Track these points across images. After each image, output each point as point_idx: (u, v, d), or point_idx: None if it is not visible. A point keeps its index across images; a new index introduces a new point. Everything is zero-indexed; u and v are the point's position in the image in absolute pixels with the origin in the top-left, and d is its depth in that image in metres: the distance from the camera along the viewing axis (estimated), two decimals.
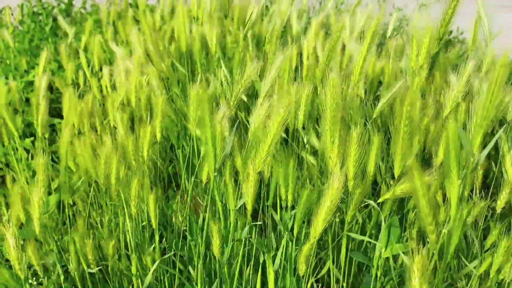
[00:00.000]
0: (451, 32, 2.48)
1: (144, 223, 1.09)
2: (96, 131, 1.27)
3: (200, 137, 0.80)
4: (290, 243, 0.94)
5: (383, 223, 0.87)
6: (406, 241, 1.10)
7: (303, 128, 1.06)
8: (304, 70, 1.34)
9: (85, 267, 1.07)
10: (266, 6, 2.05)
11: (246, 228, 0.92)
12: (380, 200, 0.84)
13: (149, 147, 0.99)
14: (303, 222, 0.91)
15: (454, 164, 0.72)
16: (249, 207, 0.84)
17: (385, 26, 2.28)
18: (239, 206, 0.89)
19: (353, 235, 0.91)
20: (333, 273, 0.96)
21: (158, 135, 1.01)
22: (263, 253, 1.00)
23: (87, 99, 1.23)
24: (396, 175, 0.80)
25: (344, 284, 1.02)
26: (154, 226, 1.02)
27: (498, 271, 0.89)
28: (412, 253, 0.62)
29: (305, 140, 1.19)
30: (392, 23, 1.54)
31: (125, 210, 1.06)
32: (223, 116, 0.89)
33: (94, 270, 1.06)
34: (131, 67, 1.27)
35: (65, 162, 1.10)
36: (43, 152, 1.00)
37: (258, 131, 0.83)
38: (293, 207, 0.95)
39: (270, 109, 0.83)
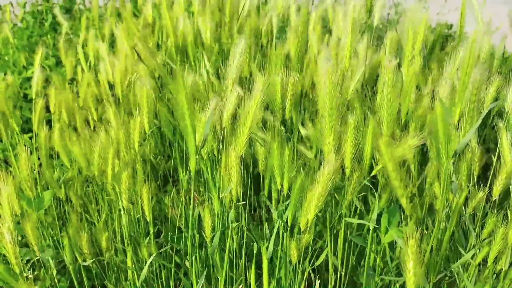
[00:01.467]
0: (451, 26, 2.47)
1: (138, 216, 1.09)
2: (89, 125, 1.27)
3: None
4: (284, 232, 0.94)
5: (375, 210, 0.86)
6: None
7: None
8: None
9: (80, 261, 1.07)
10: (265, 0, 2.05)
11: (231, 212, 0.92)
12: (373, 173, 0.83)
13: (139, 139, 0.98)
14: (297, 210, 0.91)
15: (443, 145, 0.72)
16: (234, 192, 0.84)
17: (384, 19, 2.28)
18: (227, 192, 0.89)
19: (350, 219, 0.90)
20: (331, 261, 0.96)
21: (147, 127, 1.00)
22: (257, 243, 0.99)
23: (67, 94, 1.23)
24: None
25: (343, 273, 1.02)
26: (148, 219, 1.02)
27: (496, 260, 0.89)
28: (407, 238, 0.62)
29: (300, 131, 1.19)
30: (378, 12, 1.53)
31: (119, 203, 1.06)
32: (215, 107, 0.88)
33: (89, 263, 1.05)
34: (117, 64, 1.27)
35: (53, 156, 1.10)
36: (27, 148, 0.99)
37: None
38: (289, 196, 0.95)
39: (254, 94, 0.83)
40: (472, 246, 1.02)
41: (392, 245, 1.04)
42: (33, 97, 1.23)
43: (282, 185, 0.92)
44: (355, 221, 0.91)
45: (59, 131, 1.10)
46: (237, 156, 0.84)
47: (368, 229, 1.09)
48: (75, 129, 1.28)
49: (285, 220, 0.92)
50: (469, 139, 0.78)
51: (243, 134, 0.83)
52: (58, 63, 2.09)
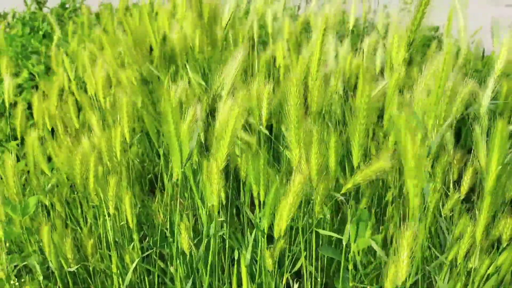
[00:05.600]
0: (438, 28, 2.49)
1: (122, 223, 1.11)
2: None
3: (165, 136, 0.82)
4: (262, 239, 0.96)
5: (349, 215, 0.88)
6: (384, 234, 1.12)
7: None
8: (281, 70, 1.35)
9: (65, 266, 1.09)
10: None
11: (213, 225, 0.93)
12: (343, 191, 0.85)
13: (121, 148, 1.00)
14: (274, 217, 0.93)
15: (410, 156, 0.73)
16: (216, 204, 0.85)
17: (371, 23, 2.30)
18: (210, 204, 0.90)
19: (320, 231, 0.92)
20: (306, 268, 0.98)
21: (127, 136, 1.02)
22: (238, 250, 1.01)
23: (50, 101, 1.24)
24: (355, 165, 0.83)
25: (319, 279, 1.04)
26: (131, 226, 1.04)
27: (466, 258, 0.91)
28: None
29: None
30: (352, 17, 1.55)
31: (104, 210, 1.07)
32: (193, 115, 0.90)
33: (73, 268, 1.07)
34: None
35: (33, 164, 1.12)
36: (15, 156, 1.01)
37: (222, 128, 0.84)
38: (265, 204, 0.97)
39: (233, 106, 0.84)
40: (447, 246, 1.04)
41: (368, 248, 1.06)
42: (7, 106, 1.25)
43: (258, 193, 0.93)
44: (325, 232, 0.93)
45: (38, 139, 1.12)
46: (219, 169, 0.85)
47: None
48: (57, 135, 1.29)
49: (262, 228, 0.94)
50: (435, 148, 0.79)
51: (223, 148, 0.84)
52: (48, 70, 2.11)
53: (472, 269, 0.90)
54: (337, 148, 0.87)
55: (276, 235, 0.82)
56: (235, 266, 1.03)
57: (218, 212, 0.95)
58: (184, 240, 0.92)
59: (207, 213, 0.93)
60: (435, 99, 0.76)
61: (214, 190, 0.84)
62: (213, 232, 0.94)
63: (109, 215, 1.09)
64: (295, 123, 0.79)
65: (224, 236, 1.00)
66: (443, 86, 0.76)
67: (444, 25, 2.60)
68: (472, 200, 1.22)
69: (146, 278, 1.19)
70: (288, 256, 1.02)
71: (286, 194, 0.79)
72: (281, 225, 0.80)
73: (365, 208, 1.10)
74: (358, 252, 0.94)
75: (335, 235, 0.92)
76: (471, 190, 1.09)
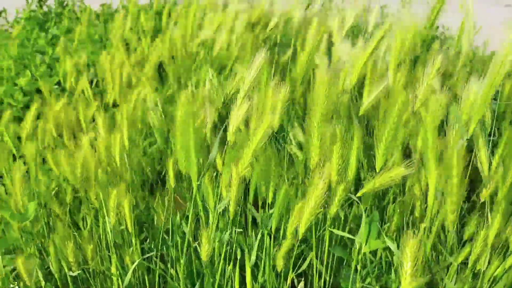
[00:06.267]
0: (437, 28, 2.49)
1: (122, 227, 1.09)
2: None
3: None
4: (268, 239, 0.94)
5: (364, 217, 0.87)
6: (386, 234, 1.11)
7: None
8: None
9: (66, 270, 1.07)
10: None
11: (227, 233, 0.92)
12: (359, 194, 0.84)
13: (121, 154, 0.99)
14: (282, 218, 0.92)
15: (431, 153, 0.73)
16: (232, 209, 0.84)
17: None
18: (221, 209, 0.89)
19: (335, 231, 0.91)
20: (316, 267, 0.96)
21: (126, 142, 1.01)
22: (241, 250, 1.00)
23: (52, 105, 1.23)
24: (377, 169, 0.81)
25: (327, 278, 1.02)
26: (130, 230, 1.03)
27: (476, 261, 0.90)
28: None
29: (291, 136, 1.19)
30: (373, 19, 1.54)
31: (104, 211, 1.06)
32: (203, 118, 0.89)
33: (75, 273, 1.05)
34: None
35: (34, 170, 1.10)
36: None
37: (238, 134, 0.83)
38: (273, 204, 0.95)
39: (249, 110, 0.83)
40: (452, 247, 1.03)
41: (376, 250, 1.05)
42: None
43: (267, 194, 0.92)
44: (340, 233, 0.92)
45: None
46: (240, 177, 0.83)
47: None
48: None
49: (269, 228, 0.92)
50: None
51: (247, 156, 0.82)
52: (51, 69, 2.08)
53: (481, 271, 0.89)
54: (359, 149, 0.86)
55: (289, 235, 0.81)
56: (237, 265, 1.02)
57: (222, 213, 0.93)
58: (204, 249, 0.90)
59: (216, 217, 0.92)
60: (482, 104, 0.76)
61: (232, 197, 0.82)
62: (227, 239, 0.93)
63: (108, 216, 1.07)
64: (319, 123, 0.78)
65: (233, 239, 0.98)
66: (489, 94, 0.76)
67: (443, 24, 2.60)
68: (472, 200, 1.21)
69: (146, 278, 1.17)
70: (294, 255, 1.01)
71: (307, 197, 0.77)
72: (296, 228, 0.79)
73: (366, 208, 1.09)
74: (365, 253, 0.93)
75: (348, 235, 0.90)
76: (471, 189, 1.08)
